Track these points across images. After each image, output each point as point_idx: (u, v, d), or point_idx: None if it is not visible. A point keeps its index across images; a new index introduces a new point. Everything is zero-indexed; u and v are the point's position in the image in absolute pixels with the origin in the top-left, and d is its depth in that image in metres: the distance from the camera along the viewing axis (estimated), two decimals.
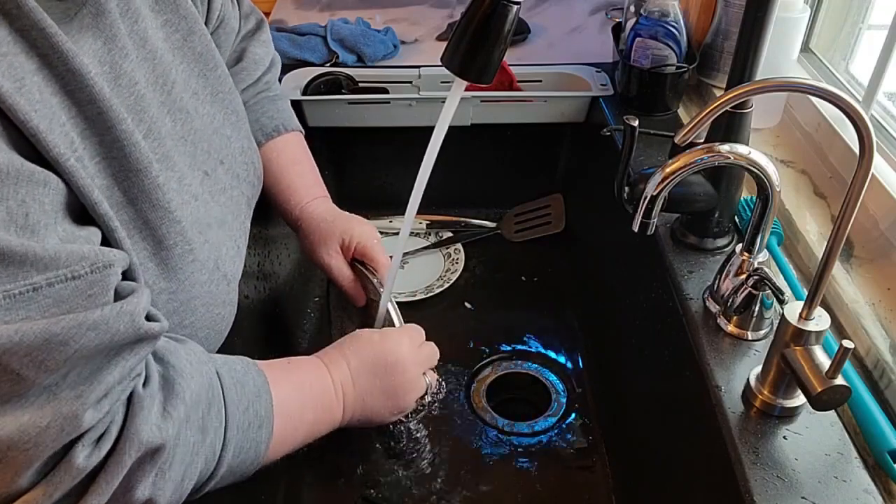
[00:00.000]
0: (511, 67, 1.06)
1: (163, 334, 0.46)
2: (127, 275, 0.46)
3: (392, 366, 0.65)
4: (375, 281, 0.73)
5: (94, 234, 0.44)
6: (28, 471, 0.39)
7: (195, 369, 0.49)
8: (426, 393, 0.69)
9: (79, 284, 0.40)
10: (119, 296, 0.43)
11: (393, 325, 0.72)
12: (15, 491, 0.40)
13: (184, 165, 0.55)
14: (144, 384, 0.46)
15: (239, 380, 0.53)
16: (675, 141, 0.51)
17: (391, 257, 0.76)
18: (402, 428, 0.73)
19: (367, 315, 0.76)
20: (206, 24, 0.69)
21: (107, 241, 0.45)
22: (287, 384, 0.58)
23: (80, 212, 0.44)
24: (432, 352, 0.71)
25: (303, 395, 0.60)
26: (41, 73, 0.42)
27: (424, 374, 0.69)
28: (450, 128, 0.61)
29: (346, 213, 0.79)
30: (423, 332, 0.71)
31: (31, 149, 0.40)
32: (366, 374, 0.64)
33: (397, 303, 0.73)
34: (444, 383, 0.76)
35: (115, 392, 0.43)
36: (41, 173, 0.40)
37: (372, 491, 0.80)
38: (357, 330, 0.68)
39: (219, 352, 0.60)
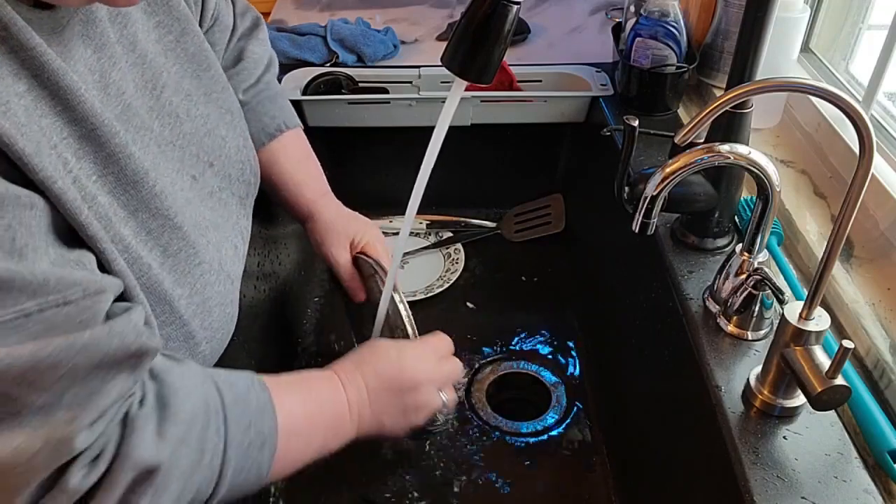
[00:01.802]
0: (511, 67, 1.06)
1: (158, 352, 0.46)
2: (121, 297, 0.45)
3: (410, 385, 0.63)
4: (371, 261, 0.74)
5: (85, 256, 0.43)
6: (23, 493, 0.39)
7: (191, 387, 0.48)
8: (442, 413, 0.67)
9: (70, 310, 0.39)
10: (110, 318, 0.43)
11: (404, 327, 0.70)
12: None
13: (172, 171, 0.55)
14: (140, 404, 0.45)
15: (241, 397, 0.51)
16: (675, 141, 0.51)
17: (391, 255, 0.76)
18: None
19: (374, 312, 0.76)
20: (200, 22, 0.69)
21: (99, 262, 0.45)
22: (297, 402, 0.56)
23: (71, 234, 0.43)
24: (454, 369, 0.68)
25: (315, 414, 0.58)
26: (31, 94, 0.41)
27: (441, 390, 0.67)
28: (450, 128, 0.61)
29: (357, 213, 0.81)
30: (451, 343, 0.69)
31: (19, 172, 0.40)
32: (384, 394, 0.62)
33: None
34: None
35: (110, 413, 0.42)
36: (28, 196, 0.39)
37: (369, 492, 0.81)
38: (376, 340, 0.66)
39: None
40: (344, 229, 0.78)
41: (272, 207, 0.93)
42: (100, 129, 0.45)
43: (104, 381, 0.41)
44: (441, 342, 0.69)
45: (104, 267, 0.45)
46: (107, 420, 0.42)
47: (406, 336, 0.70)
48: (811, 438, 0.53)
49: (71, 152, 0.43)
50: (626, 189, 0.67)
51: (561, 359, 0.96)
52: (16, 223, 0.38)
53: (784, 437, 0.53)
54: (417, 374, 0.64)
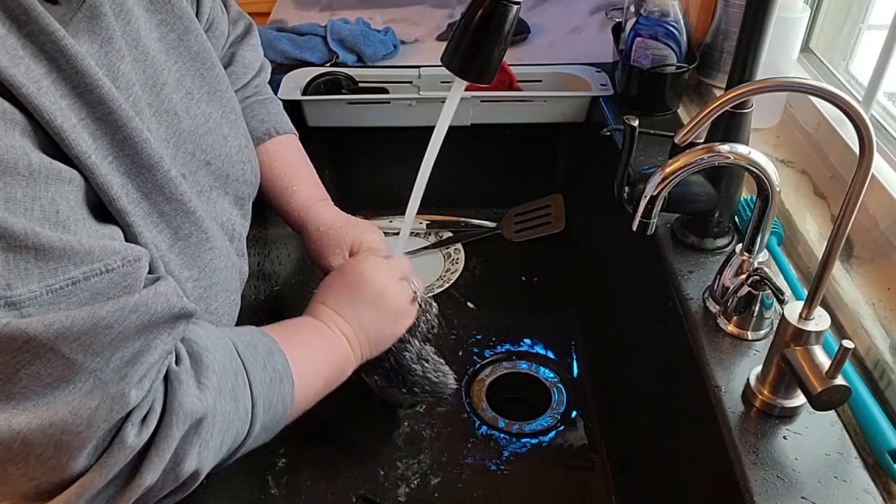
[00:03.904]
0: (511, 67, 1.06)
1: (195, 314, 0.48)
2: (149, 269, 0.47)
3: (360, 282, 0.67)
4: None
5: (116, 231, 0.46)
6: (82, 453, 0.41)
7: (215, 342, 0.51)
8: (418, 299, 0.71)
9: (113, 277, 0.42)
10: (147, 285, 0.45)
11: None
12: (70, 475, 0.41)
13: None
14: (177, 362, 0.48)
15: (249, 343, 0.55)
16: (675, 141, 0.51)
17: None
18: (409, 355, 0.73)
19: None
20: None
21: (126, 237, 0.47)
22: (288, 339, 0.59)
23: (100, 210, 0.45)
24: (401, 261, 0.72)
25: (307, 344, 0.62)
26: (50, 76, 0.43)
27: (405, 281, 0.70)
28: (450, 128, 0.61)
29: (354, 217, 0.79)
30: (383, 251, 0.74)
31: (55, 148, 0.42)
32: (346, 303, 0.66)
33: None
34: (434, 304, 0.75)
35: (154, 370, 0.44)
36: (67, 171, 0.42)
37: (368, 492, 0.81)
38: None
39: None
40: (341, 237, 0.75)
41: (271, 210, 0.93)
42: (116, 114, 0.46)
43: (149, 341, 0.44)
44: (371, 254, 0.73)
45: (129, 241, 0.47)
46: (152, 377, 0.44)
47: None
48: (811, 438, 0.53)
49: (88, 133, 0.45)
50: (626, 189, 0.67)
51: (561, 359, 0.96)
52: (58, 196, 0.41)
53: (784, 437, 0.53)
54: (361, 271, 0.68)
